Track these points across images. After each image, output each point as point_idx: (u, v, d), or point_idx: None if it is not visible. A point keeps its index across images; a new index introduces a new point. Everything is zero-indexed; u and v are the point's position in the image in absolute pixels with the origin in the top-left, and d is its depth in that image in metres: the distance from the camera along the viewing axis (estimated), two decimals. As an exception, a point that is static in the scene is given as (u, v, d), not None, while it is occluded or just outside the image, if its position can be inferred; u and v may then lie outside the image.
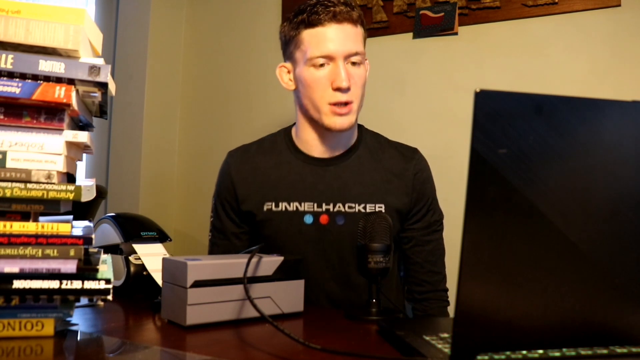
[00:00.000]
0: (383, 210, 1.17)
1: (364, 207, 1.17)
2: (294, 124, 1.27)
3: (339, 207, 1.17)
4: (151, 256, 1.12)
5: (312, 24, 1.11)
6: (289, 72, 1.21)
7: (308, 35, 1.12)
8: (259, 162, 1.22)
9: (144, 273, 1.10)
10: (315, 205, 1.17)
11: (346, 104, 1.12)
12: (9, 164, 0.73)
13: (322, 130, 1.18)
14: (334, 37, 1.10)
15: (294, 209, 1.18)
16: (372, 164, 1.22)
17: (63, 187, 0.74)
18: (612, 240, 0.63)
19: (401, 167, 1.22)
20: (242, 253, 0.97)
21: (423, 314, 1.22)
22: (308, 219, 1.17)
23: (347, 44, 1.11)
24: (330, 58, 1.11)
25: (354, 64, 1.13)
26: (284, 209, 1.18)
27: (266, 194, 1.19)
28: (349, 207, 1.17)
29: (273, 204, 1.19)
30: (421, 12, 1.73)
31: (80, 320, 0.86)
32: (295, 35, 1.14)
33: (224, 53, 2.16)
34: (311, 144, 1.21)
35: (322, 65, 1.12)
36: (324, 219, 1.17)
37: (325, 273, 1.19)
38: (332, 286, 1.20)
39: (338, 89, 1.11)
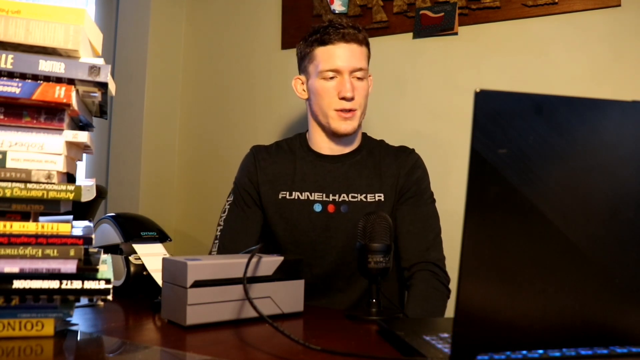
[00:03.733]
0: (382, 199, 1.30)
1: (365, 197, 1.31)
2: (307, 130, 1.43)
3: (344, 197, 1.32)
4: (151, 256, 1.12)
5: (324, 42, 1.29)
6: (302, 83, 1.38)
7: (320, 52, 1.30)
8: (277, 158, 1.39)
9: (144, 273, 1.10)
10: (324, 195, 1.33)
11: (350, 110, 1.29)
12: (9, 164, 0.73)
13: (330, 134, 1.35)
14: (341, 55, 1.28)
15: (305, 198, 1.33)
16: (373, 162, 1.36)
17: (63, 187, 0.74)
18: (612, 240, 0.63)
19: (395, 163, 1.36)
20: (242, 253, 0.97)
21: (416, 291, 1.20)
22: (317, 207, 1.32)
23: (353, 61, 1.29)
24: (337, 72, 1.29)
25: (358, 78, 1.30)
26: (296, 197, 1.33)
27: (282, 185, 1.35)
28: (352, 197, 1.32)
29: (287, 193, 1.34)
30: (421, 12, 1.73)
31: (80, 320, 0.86)
32: (310, 52, 1.32)
33: (224, 53, 2.15)
34: (321, 145, 1.38)
35: (331, 77, 1.29)
36: (331, 207, 1.32)
37: (330, 258, 1.30)
38: (336, 271, 1.30)
39: (343, 98, 1.28)
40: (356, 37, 1.29)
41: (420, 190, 1.33)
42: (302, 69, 1.37)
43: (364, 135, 1.43)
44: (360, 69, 1.29)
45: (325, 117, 1.31)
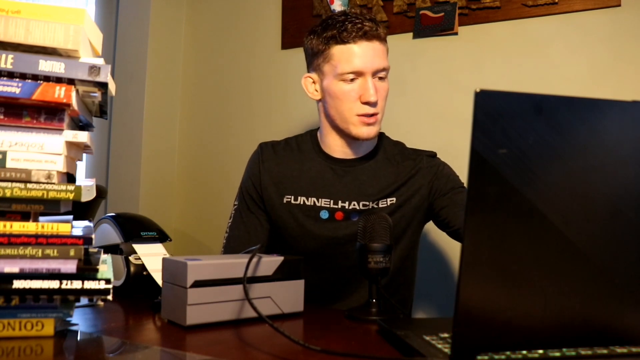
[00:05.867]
0: (394, 202, 1.23)
1: (377, 203, 1.23)
2: (319, 129, 1.33)
3: (354, 205, 1.24)
4: (151, 256, 1.12)
5: (342, 40, 1.16)
6: (314, 82, 1.26)
7: (338, 51, 1.17)
8: (284, 157, 1.30)
9: (144, 273, 1.10)
10: (332, 202, 1.24)
11: (373, 115, 1.19)
12: (9, 164, 0.73)
13: (347, 138, 1.25)
14: (363, 54, 1.16)
15: (312, 203, 1.25)
16: (389, 167, 1.28)
17: (63, 187, 0.74)
18: (612, 240, 0.63)
19: (412, 169, 1.27)
20: (242, 253, 0.97)
21: None
22: (324, 214, 1.24)
23: (376, 61, 1.17)
24: (359, 73, 1.17)
25: (380, 78, 1.19)
26: (302, 202, 1.25)
27: (287, 188, 1.27)
28: (364, 205, 1.23)
29: (292, 197, 1.26)
30: (421, 12, 1.73)
31: (80, 320, 0.86)
32: (325, 50, 1.19)
33: (224, 53, 2.15)
34: (334, 148, 1.28)
35: (352, 80, 1.17)
36: (339, 215, 1.23)
37: (339, 266, 1.25)
38: (347, 280, 1.25)
39: (367, 103, 1.17)
40: (378, 34, 1.17)
41: (457, 181, 1.25)
42: (315, 67, 1.24)
43: (382, 136, 1.33)
44: (383, 69, 1.18)
45: (345, 122, 1.21)
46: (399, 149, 1.33)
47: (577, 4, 1.54)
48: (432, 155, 1.32)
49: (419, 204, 1.25)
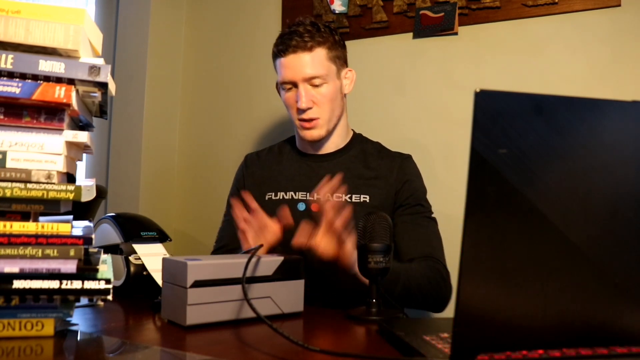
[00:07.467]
0: (368, 201, 1.30)
1: (350, 197, 1.31)
2: None
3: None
4: (151, 256, 1.12)
5: (277, 54, 1.33)
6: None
7: (278, 65, 1.33)
8: (266, 162, 1.43)
9: (144, 273, 1.10)
10: (308, 194, 1.33)
11: (310, 120, 1.30)
12: (9, 164, 0.73)
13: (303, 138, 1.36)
14: (290, 66, 1.29)
15: (290, 197, 1.34)
16: (362, 163, 1.36)
17: (63, 187, 0.74)
18: (612, 240, 0.63)
19: (387, 167, 1.34)
20: (241, 253, 0.97)
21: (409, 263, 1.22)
22: (301, 207, 1.32)
23: (303, 71, 1.28)
24: (292, 83, 1.30)
25: (315, 85, 1.29)
26: (281, 197, 1.35)
27: (268, 186, 1.37)
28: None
29: (273, 194, 1.36)
30: (421, 12, 1.73)
31: (80, 320, 0.86)
32: (274, 63, 1.36)
33: (224, 53, 2.15)
34: (304, 146, 1.40)
35: (289, 89, 1.32)
36: (314, 207, 1.30)
37: (317, 257, 1.25)
38: (324, 270, 1.26)
39: (299, 110, 1.30)
40: (304, 45, 1.27)
41: (419, 201, 1.32)
42: None
43: (357, 135, 1.42)
44: (313, 77, 1.28)
45: (294, 125, 1.34)
46: (376, 148, 1.40)
47: (577, 4, 1.54)
48: (407, 157, 1.37)
49: (385, 201, 1.30)
